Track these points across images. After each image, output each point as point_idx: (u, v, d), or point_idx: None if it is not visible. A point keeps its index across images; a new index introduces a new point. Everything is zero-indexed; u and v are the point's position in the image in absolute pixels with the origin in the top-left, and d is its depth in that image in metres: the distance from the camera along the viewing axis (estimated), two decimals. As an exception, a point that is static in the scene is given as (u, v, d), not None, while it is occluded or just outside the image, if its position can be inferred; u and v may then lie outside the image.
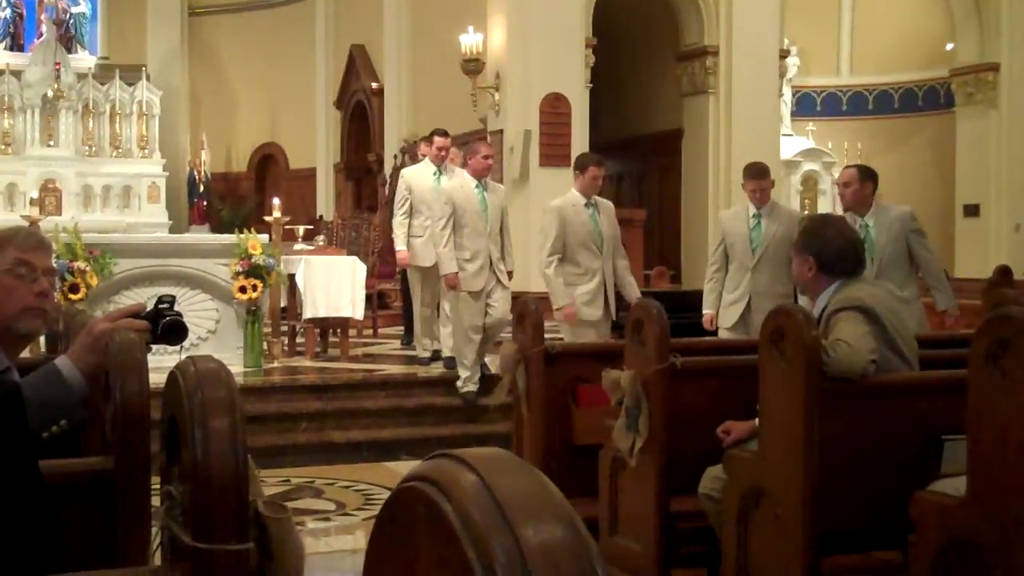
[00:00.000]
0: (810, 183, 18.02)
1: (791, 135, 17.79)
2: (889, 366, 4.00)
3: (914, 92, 18.38)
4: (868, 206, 6.63)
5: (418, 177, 9.42)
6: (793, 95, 18.39)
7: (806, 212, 15.51)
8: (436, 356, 9.26)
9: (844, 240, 4.30)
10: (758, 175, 7.18)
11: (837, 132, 18.62)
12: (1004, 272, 10.80)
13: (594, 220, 7.43)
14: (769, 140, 13.89)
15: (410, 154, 14.24)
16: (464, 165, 8.83)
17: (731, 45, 14.02)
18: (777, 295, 6.78)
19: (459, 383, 8.49)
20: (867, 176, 6.70)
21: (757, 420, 3.98)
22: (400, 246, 9.30)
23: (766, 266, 7.02)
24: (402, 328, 11.00)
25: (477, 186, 8.22)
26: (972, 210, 15.91)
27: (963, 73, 16.00)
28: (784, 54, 15.15)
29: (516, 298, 7.37)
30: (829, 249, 4.24)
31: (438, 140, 9.47)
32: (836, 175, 18.08)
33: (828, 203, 17.59)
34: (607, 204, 7.64)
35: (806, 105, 18.97)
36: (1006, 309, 3.16)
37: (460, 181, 8.41)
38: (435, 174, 9.30)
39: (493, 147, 8.37)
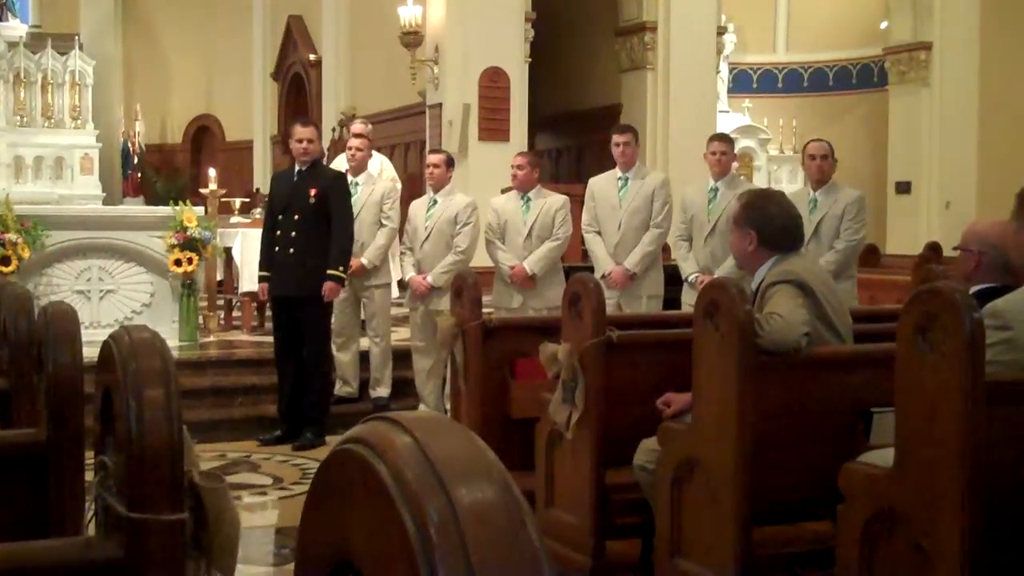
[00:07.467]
0: (746, 160, 18.17)
1: (727, 112, 17.92)
2: (822, 340, 4.06)
3: (848, 70, 18.59)
4: (828, 181, 6.79)
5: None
6: (730, 72, 18.51)
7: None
8: None
9: (786, 216, 4.33)
10: (722, 137, 7.40)
11: (773, 109, 18.79)
12: (934, 248, 10.98)
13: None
14: (706, 116, 13.98)
15: (347, 126, 14.10)
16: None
17: (669, 21, 14.08)
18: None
19: None
20: (833, 152, 6.95)
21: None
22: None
23: (720, 238, 6.89)
24: None
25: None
26: (904, 187, 16.14)
27: (896, 52, 16.19)
28: (721, 31, 15.23)
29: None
30: (771, 224, 4.26)
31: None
32: (771, 152, 18.31)
33: (763, 179, 17.76)
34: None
35: (742, 82, 19.10)
36: (934, 284, 3.22)
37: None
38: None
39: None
